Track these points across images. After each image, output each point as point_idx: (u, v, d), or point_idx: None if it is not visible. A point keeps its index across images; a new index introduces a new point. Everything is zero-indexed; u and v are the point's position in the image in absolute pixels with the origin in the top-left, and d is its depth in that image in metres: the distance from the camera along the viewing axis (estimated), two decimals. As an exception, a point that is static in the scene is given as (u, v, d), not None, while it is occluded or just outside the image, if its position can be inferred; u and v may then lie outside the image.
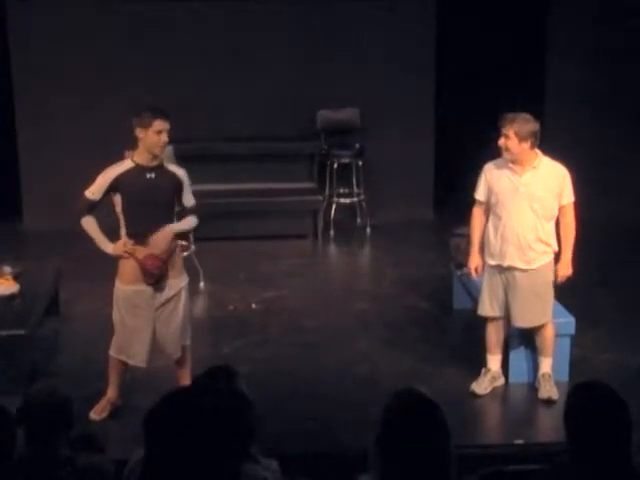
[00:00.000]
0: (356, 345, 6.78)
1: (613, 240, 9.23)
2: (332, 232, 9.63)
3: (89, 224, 5.44)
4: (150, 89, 9.37)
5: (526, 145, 5.65)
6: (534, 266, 5.79)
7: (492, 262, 5.89)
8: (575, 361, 6.15)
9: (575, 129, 9.91)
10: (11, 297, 6.44)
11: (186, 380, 5.57)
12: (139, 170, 5.34)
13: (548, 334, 5.95)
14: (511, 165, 5.74)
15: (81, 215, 5.42)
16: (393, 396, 2.99)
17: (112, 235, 5.52)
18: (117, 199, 5.39)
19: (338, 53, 9.65)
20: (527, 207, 5.71)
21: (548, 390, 5.85)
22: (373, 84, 9.73)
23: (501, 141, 5.69)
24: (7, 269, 6.69)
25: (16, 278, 6.63)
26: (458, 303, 7.42)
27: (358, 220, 9.86)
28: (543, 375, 5.94)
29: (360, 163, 9.71)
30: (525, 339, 6.09)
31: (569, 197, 5.81)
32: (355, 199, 9.80)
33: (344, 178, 9.76)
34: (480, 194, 5.93)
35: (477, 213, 6.00)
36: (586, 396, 3.23)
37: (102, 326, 6.74)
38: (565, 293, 6.58)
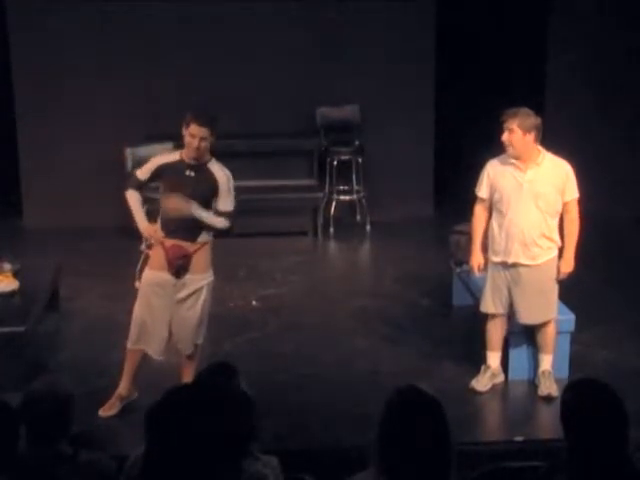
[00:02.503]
0: (356, 342, 6.78)
1: (614, 236, 9.23)
2: (332, 229, 9.63)
3: (132, 198, 5.62)
4: (150, 88, 9.37)
5: (530, 138, 5.65)
6: (539, 262, 5.79)
7: (496, 259, 5.88)
8: (575, 358, 6.15)
9: (577, 124, 9.90)
10: (11, 294, 6.43)
11: (189, 377, 5.57)
12: (182, 165, 5.45)
13: (550, 331, 5.95)
14: (514, 161, 5.73)
15: (127, 187, 5.62)
16: (394, 393, 2.99)
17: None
18: (160, 186, 5.57)
19: (338, 50, 9.64)
20: (531, 203, 5.70)
21: (548, 387, 5.86)
22: (373, 81, 9.72)
23: (505, 136, 5.68)
24: (7, 266, 6.70)
25: (16, 275, 6.63)
26: (458, 300, 7.43)
27: (358, 217, 9.86)
28: (543, 372, 5.94)
29: (360, 160, 9.70)
30: (525, 336, 6.09)
31: (573, 193, 5.81)
32: (355, 196, 9.79)
33: (344, 175, 9.76)
34: (482, 191, 5.92)
35: (479, 210, 5.99)
36: (582, 393, 3.23)
37: (102, 323, 6.78)
38: (565, 290, 6.58)
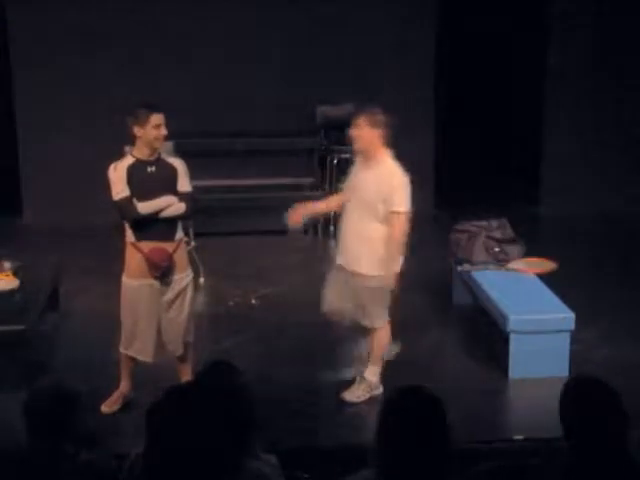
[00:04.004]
0: (355, 340, 6.77)
1: (613, 235, 9.23)
2: (332, 228, 9.61)
3: (144, 206, 5.35)
4: (150, 86, 9.35)
5: (377, 133, 5.56)
6: (359, 270, 5.61)
7: (337, 260, 5.81)
8: (575, 357, 6.14)
9: (575, 125, 9.92)
10: (11, 292, 6.44)
11: (187, 376, 5.59)
12: (140, 164, 5.43)
13: (372, 341, 5.80)
14: (359, 160, 5.67)
15: (133, 211, 5.34)
16: (393, 391, 3.00)
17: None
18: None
19: (338, 49, 9.63)
20: (357, 206, 5.59)
21: (350, 392, 5.78)
22: (373, 80, 9.72)
23: (352, 131, 5.59)
24: (7, 264, 6.70)
25: (16, 273, 6.63)
26: (458, 298, 7.43)
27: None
28: (360, 378, 5.84)
29: (360, 158, 9.69)
30: (525, 335, 6.09)
31: (398, 205, 5.50)
32: (355, 194, 9.78)
33: (344, 174, 9.70)
34: (346, 183, 5.85)
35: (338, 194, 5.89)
36: (581, 391, 3.23)
37: (102, 321, 6.77)
38: (565, 288, 6.59)
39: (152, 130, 5.35)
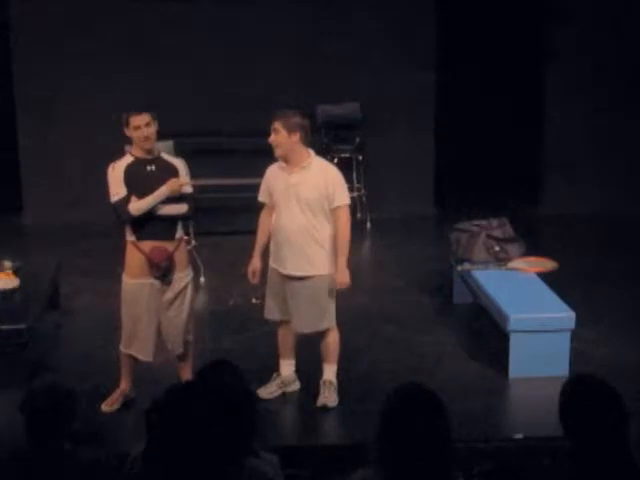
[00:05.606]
0: (356, 339, 6.77)
1: (613, 234, 9.23)
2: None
3: (135, 205, 5.34)
4: (151, 85, 9.37)
5: (295, 137, 5.45)
6: (311, 273, 5.58)
7: (272, 264, 5.72)
8: (575, 356, 6.13)
9: (575, 125, 9.92)
10: (11, 291, 6.44)
11: (187, 375, 5.59)
12: (140, 163, 5.44)
13: (330, 340, 5.76)
14: (284, 165, 5.57)
15: (127, 213, 5.35)
16: (394, 390, 2.99)
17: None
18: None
19: (338, 47, 9.63)
20: (297, 208, 5.51)
21: (326, 397, 5.71)
22: (374, 79, 9.73)
23: (271, 138, 5.50)
24: (7, 263, 6.70)
25: (16, 272, 6.63)
26: (458, 297, 7.43)
27: (358, 215, 9.84)
28: (324, 382, 5.78)
29: (360, 158, 9.70)
30: (526, 334, 6.09)
31: (341, 199, 5.55)
32: (355, 194, 9.76)
33: (344, 173, 9.63)
34: (261, 195, 5.76)
35: (262, 215, 5.79)
36: (580, 390, 3.24)
37: (102, 320, 6.78)
38: (565, 287, 6.59)
39: (134, 131, 5.36)
